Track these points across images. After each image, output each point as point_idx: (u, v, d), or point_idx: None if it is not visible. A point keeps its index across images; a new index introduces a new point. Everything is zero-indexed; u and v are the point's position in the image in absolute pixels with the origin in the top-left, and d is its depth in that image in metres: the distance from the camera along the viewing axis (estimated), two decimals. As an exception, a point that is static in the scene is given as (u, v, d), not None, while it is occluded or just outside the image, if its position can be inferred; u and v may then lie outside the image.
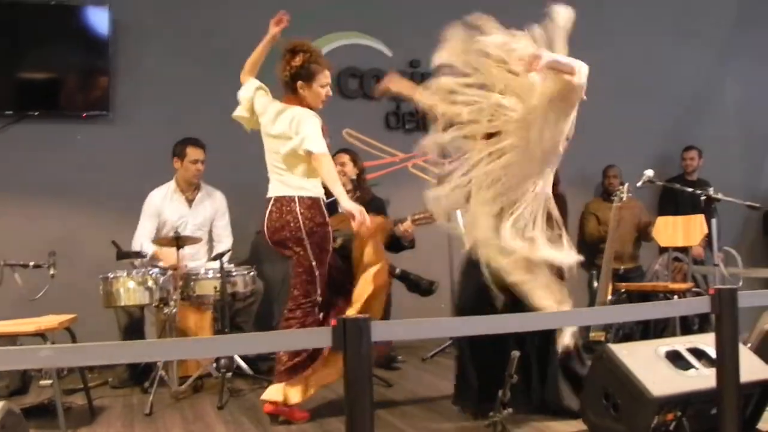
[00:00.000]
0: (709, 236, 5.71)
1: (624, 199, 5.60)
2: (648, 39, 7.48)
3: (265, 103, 4.11)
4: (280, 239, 3.95)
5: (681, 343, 3.36)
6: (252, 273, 5.01)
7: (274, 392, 3.86)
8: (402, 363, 5.39)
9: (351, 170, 5.56)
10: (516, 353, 3.24)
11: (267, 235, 4.01)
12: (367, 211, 5.48)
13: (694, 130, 7.53)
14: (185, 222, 5.20)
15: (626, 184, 5.68)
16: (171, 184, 5.33)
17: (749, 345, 3.85)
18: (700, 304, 2.76)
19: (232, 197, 5.57)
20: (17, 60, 5.63)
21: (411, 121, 6.71)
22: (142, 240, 5.08)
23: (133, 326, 5.04)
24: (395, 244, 5.46)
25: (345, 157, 5.60)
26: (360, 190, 5.61)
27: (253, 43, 6.11)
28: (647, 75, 7.42)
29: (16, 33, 5.58)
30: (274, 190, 4.03)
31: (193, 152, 5.26)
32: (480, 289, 3.66)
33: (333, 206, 5.45)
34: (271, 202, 3.99)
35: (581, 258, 3.65)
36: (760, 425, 3.33)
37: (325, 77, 4.06)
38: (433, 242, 5.88)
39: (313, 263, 3.90)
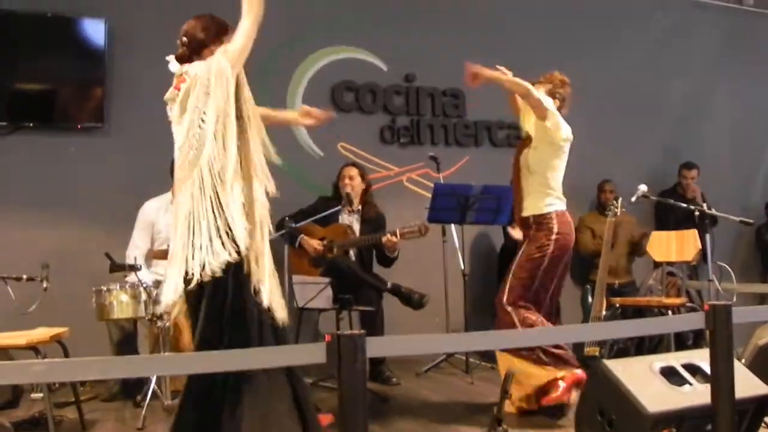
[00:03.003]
0: (703, 251, 5.73)
1: (618, 213, 5.61)
2: (642, 57, 7.54)
3: None
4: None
5: (676, 359, 3.35)
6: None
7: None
8: (397, 378, 5.38)
9: (359, 184, 5.59)
10: (513, 370, 3.23)
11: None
12: (368, 228, 5.53)
13: (687, 146, 7.58)
14: (179, 235, 5.18)
15: (620, 199, 5.69)
16: (167, 196, 5.31)
17: (744, 360, 3.85)
18: (695, 321, 2.75)
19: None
20: (12, 71, 5.62)
21: (406, 135, 6.73)
22: (135, 252, 5.07)
23: (125, 340, 5.01)
24: (383, 257, 5.47)
25: (354, 171, 5.63)
26: (365, 205, 5.62)
27: (250, 55, 6.14)
28: (642, 92, 7.47)
29: (11, 44, 5.58)
30: None
31: None
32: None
33: (329, 218, 5.47)
34: None
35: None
36: (755, 441, 3.33)
37: None
38: (426, 255, 5.89)
39: None
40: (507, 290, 4.16)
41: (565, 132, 4.22)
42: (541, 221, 4.21)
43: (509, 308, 4.12)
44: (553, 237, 4.15)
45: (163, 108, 5.86)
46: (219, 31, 3.37)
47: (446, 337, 3.06)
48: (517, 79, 4.13)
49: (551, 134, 4.16)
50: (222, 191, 3.01)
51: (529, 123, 4.33)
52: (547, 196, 4.24)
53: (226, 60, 3.16)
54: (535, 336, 3.08)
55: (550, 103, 4.18)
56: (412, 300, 5.20)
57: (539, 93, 4.15)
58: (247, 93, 3.28)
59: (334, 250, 5.32)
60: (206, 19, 3.39)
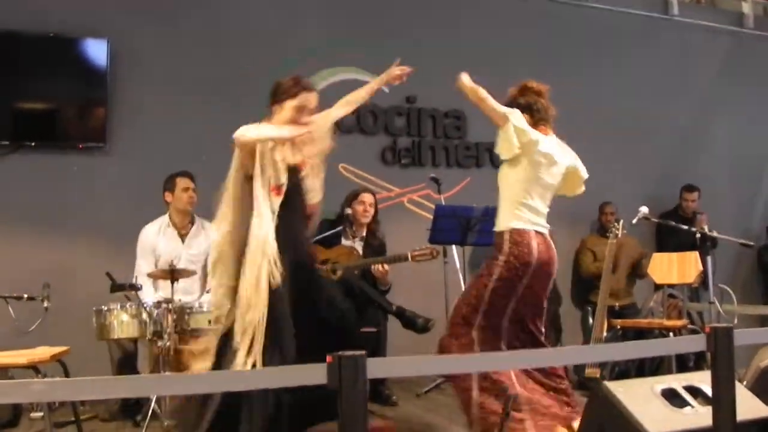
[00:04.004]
0: (704, 273, 5.73)
1: (619, 235, 5.62)
2: (643, 80, 7.58)
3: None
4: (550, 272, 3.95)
5: (677, 381, 3.34)
6: (247, 306, 4.97)
7: None
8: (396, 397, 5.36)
9: (371, 212, 5.56)
10: (514, 392, 3.22)
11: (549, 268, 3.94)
12: (371, 253, 5.50)
13: (687, 168, 7.61)
14: (179, 256, 5.17)
15: (621, 221, 5.70)
16: (164, 219, 5.31)
17: (745, 383, 3.84)
18: (696, 343, 2.75)
19: (228, 230, 5.55)
20: (14, 90, 5.64)
21: (407, 156, 6.75)
22: (141, 279, 5.06)
23: (126, 359, 4.99)
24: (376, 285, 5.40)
25: (371, 198, 5.60)
26: (370, 231, 5.59)
27: (252, 75, 6.20)
28: (642, 115, 7.50)
29: (13, 63, 5.60)
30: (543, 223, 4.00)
31: (182, 182, 5.26)
32: None
33: (331, 240, 5.46)
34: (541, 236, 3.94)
35: None
36: (756, 465, 3.31)
37: None
38: (427, 276, 5.88)
39: None
40: (454, 309, 3.93)
41: (528, 142, 3.83)
42: (497, 240, 3.86)
43: (451, 329, 3.87)
44: (502, 259, 3.77)
45: (164, 128, 5.93)
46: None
47: (448, 358, 3.05)
48: (476, 87, 3.84)
49: (508, 145, 3.81)
50: None
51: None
52: (509, 212, 3.87)
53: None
54: (535, 357, 3.07)
55: (512, 113, 3.84)
56: (416, 324, 5.17)
57: (494, 102, 3.83)
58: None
59: (337, 273, 5.30)
60: None
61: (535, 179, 3.90)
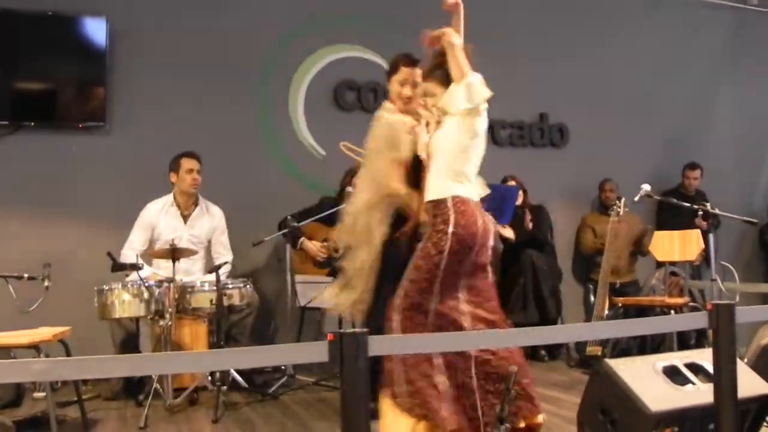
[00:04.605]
0: (706, 251, 5.72)
1: (621, 213, 5.60)
2: (646, 56, 7.52)
3: None
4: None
5: (678, 358, 3.34)
6: (248, 285, 4.99)
7: None
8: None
9: None
10: (514, 368, 3.21)
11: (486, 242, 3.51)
12: None
13: (690, 146, 7.58)
14: (179, 237, 5.17)
15: (623, 199, 5.68)
16: (169, 198, 5.31)
17: (746, 360, 3.84)
18: (698, 320, 2.75)
19: (229, 209, 5.56)
20: (13, 70, 5.62)
21: (408, 134, 6.70)
22: (129, 251, 5.08)
23: (128, 339, 5.01)
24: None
25: None
26: None
27: (251, 55, 6.17)
28: (644, 91, 7.46)
29: (12, 42, 5.57)
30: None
31: (187, 162, 5.25)
32: None
33: (333, 218, 5.43)
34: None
35: None
36: (758, 441, 3.32)
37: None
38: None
39: None
40: (402, 295, 3.41)
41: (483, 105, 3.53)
42: (437, 210, 3.44)
43: (395, 315, 3.39)
44: (450, 230, 3.35)
45: (164, 107, 5.91)
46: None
47: (449, 335, 3.04)
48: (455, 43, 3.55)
49: (470, 96, 3.46)
50: None
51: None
52: (450, 179, 3.49)
53: None
54: (537, 335, 3.07)
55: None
56: None
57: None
58: None
59: (339, 251, 5.29)
60: None
61: (474, 147, 3.56)
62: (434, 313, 3.41)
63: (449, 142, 3.50)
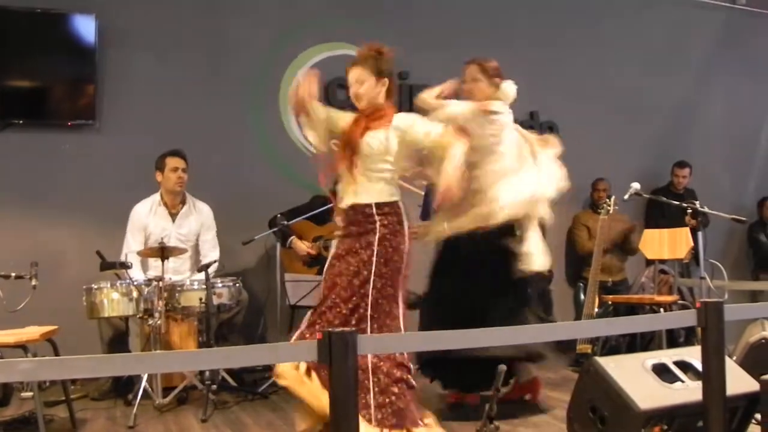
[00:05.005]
0: (695, 249, 5.74)
1: (611, 211, 5.62)
2: (635, 55, 7.54)
3: None
4: None
5: (668, 356, 3.35)
6: (237, 284, 4.98)
7: None
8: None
9: None
10: (503, 367, 3.22)
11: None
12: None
13: (680, 144, 7.60)
14: (168, 235, 5.15)
15: (613, 197, 5.69)
16: (155, 197, 5.29)
17: (735, 357, 3.86)
18: (687, 318, 2.76)
19: (220, 208, 5.54)
20: (2, 67, 5.57)
21: (398, 132, 6.69)
22: (131, 257, 5.04)
23: (116, 338, 4.99)
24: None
25: None
26: None
27: (242, 52, 6.15)
28: (634, 90, 7.46)
29: (0, 40, 5.54)
30: None
31: (172, 161, 5.21)
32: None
33: (324, 216, 5.43)
34: None
35: None
36: (746, 438, 3.33)
37: None
38: (416, 253, 5.85)
39: None
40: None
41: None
42: (388, 209, 3.58)
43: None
44: (406, 230, 3.57)
45: (154, 104, 5.88)
46: None
47: (439, 334, 3.04)
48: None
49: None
50: None
51: None
52: (392, 184, 3.69)
53: None
54: (531, 332, 3.07)
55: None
56: (408, 300, 5.16)
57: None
58: None
59: (329, 249, 5.29)
60: None
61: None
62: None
63: (398, 146, 3.84)
